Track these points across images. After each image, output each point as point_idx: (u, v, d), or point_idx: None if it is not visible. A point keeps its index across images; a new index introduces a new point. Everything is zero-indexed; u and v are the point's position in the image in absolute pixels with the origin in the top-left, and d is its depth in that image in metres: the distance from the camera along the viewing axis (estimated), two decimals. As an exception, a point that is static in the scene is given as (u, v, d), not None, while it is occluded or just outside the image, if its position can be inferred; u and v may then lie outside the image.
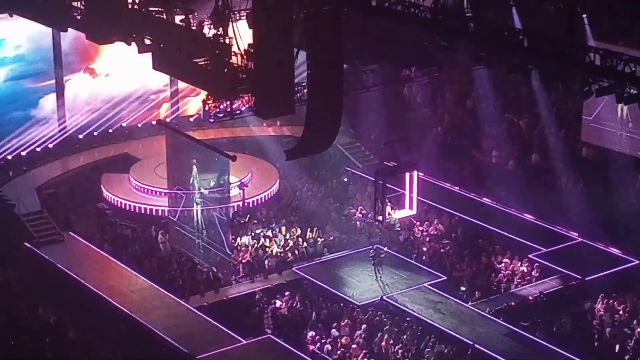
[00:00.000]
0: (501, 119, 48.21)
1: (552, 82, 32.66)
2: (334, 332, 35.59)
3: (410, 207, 38.79)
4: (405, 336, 35.29)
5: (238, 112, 33.03)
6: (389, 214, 38.74)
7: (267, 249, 41.07)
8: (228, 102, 32.81)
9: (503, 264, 39.83)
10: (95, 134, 48.57)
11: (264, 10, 29.38)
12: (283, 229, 42.31)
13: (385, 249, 40.35)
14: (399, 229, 42.16)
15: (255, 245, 41.16)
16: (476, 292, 38.44)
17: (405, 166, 38.67)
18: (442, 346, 34.66)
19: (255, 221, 42.62)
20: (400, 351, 34.56)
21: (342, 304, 37.38)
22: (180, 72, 33.39)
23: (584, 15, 35.36)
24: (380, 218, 37.54)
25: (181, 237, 40.52)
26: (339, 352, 34.77)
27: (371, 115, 48.25)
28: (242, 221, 42.35)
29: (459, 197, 45.19)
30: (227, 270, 38.81)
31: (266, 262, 40.22)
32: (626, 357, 34.66)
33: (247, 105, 32.29)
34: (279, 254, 40.79)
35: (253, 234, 41.83)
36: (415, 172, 38.25)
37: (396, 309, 37.22)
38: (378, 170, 38.48)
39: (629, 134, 41.03)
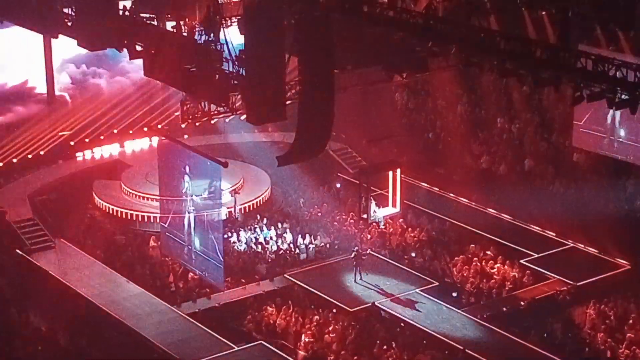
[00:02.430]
0: (493, 124, 48.33)
1: (543, 88, 32.74)
2: (327, 337, 35.55)
3: (394, 205, 38.87)
4: (397, 341, 35.28)
5: (216, 113, 33.19)
6: (374, 211, 38.89)
7: (259, 255, 41.03)
8: (206, 104, 32.84)
9: (495, 270, 39.82)
10: (87, 140, 48.47)
11: (255, 16, 29.38)
12: (275, 235, 42.27)
13: (368, 251, 40.43)
14: (383, 226, 42.16)
15: (247, 251, 41.14)
16: (470, 298, 38.48)
17: (388, 165, 38.77)
18: (433, 351, 34.66)
19: (247, 227, 42.57)
20: (391, 357, 34.55)
21: (334, 310, 37.34)
22: (172, 79, 33.36)
23: (576, 21, 35.42)
24: (364, 216, 37.73)
25: (172, 244, 40.42)
26: (330, 358, 34.72)
27: (362, 121, 48.26)
28: (234, 227, 42.30)
29: (451, 203, 45.21)
30: (219, 276, 38.71)
31: (258, 268, 40.17)
32: (617, 362, 34.76)
33: (224, 107, 32.39)
34: (270, 260, 40.74)
35: (245, 240, 41.80)
36: (398, 171, 38.36)
37: (388, 314, 37.20)
38: (362, 169, 38.71)
39: (620, 139, 41.10)
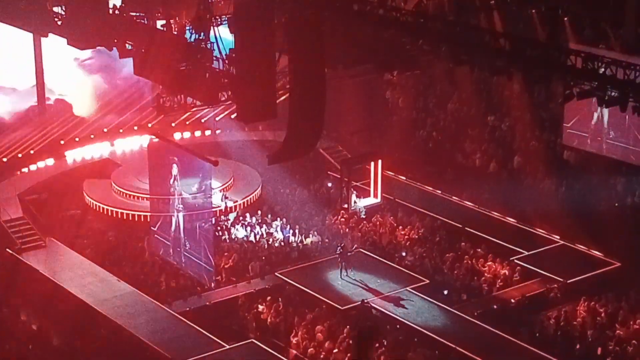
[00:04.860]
0: (483, 122, 48.39)
1: (534, 85, 32.82)
2: (318, 336, 35.56)
3: (375, 196, 39.00)
4: (388, 339, 35.31)
5: (192, 106, 33.35)
6: (354, 201, 39.05)
7: (250, 253, 41.04)
8: (182, 97, 32.92)
9: (486, 267, 39.88)
10: (77, 139, 48.37)
11: (245, 15, 29.37)
12: (265, 233, 42.28)
13: (355, 247, 40.53)
14: (364, 216, 42.21)
15: (238, 249, 41.13)
16: (461, 296, 38.55)
17: (370, 156, 38.99)
18: (424, 349, 34.71)
19: (238, 226, 42.59)
20: (383, 355, 34.59)
21: (324, 307, 37.37)
22: (162, 78, 33.32)
23: (566, 19, 35.52)
24: (345, 205, 37.96)
25: (163, 245, 40.33)
26: (322, 356, 34.75)
27: (353, 119, 48.29)
28: (224, 227, 42.34)
29: (442, 201, 45.27)
30: (210, 277, 38.70)
31: (249, 266, 40.18)
32: None
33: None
34: (261, 259, 40.75)
35: (236, 239, 41.81)
36: (379, 162, 38.56)
37: (379, 312, 37.23)
38: (344, 160, 39.03)
39: (610, 140, 41.07)
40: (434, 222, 43.42)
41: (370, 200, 39.42)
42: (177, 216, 39.53)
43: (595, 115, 40.26)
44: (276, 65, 30.53)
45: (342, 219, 43.39)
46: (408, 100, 51.19)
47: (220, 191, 42.76)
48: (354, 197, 38.76)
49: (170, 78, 32.35)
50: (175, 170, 39.06)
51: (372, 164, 38.65)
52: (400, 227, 42.95)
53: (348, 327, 35.72)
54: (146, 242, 41.24)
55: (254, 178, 45.72)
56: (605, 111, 39.12)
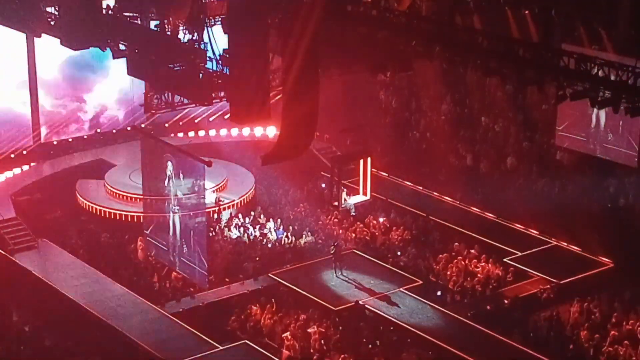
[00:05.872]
0: (476, 123, 48.43)
1: (527, 86, 32.82)
2: (311, 336, 35.55)
3: (364, 193, 39.04)
4: (381, 340, 35.32)
5: (180, 104, 33.40)
6: (344, 199, 39.05)
7: (244, 254, 41.01)
8: (169, 95, 32.97)
9: (479, 268, 39.89)
10: (70, 139, 48.35)
11: (239, 15, 29.35)
12: (259, 234, 42.26)
13: (336, 242, 40.55)
14: (354, 214, 42.18)
15: (232, 250, 41.11)
16: (454, 296, 38.57)
17: (359, 153, 39.03)
18: (418, 350, 34.72)
19: (232, 227, 42.57)
20: (376, 356, 34.60)
21: (318, 309, 37.36)
22: (155, 78, 33.32)
23: (558, 20, 35.50)
24: (335, 203, 38.01)
25: (156, 249, 40.25)
26: (315, 357, 34.74)
27: (346, 120, 48.28)
28: (217, 227, 42.31)
29: (435, 201, 45.29)
30: (203, 280, 38.62)
31: (243, 267, 40.15)
32: (601, 360, 34.88)
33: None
34: (255, 259, 40.73)
35: (229, 240, 41.78)
36: (369, 159, 38.61)
37: (372, 313, 37.23)
38: (334, 158, 39.05)
39: (606, 144, 41.04)
40: (427, 222, 43.44)
41: (360, 198, 39.43)
42: (170, 217, 39.47)
43: (594, 118, 40.31)
44: (270, 66, 30.50)
45: (336, 220, 43.40)
46: (401, 101, 51.22)
47: (213, 192, 42.78)
48: (344, 195, 38.77)
49: (164, 78, 32.36)
50: (170, 169, 38.98)
51: (362, 161, 38.66)
52: (394, 228, 42.95)
53: (341, 327, 35.81)
54: (139, 242, 41.19)
55: (248, 178, 45.73)
56: (602, 114, 39.18)
